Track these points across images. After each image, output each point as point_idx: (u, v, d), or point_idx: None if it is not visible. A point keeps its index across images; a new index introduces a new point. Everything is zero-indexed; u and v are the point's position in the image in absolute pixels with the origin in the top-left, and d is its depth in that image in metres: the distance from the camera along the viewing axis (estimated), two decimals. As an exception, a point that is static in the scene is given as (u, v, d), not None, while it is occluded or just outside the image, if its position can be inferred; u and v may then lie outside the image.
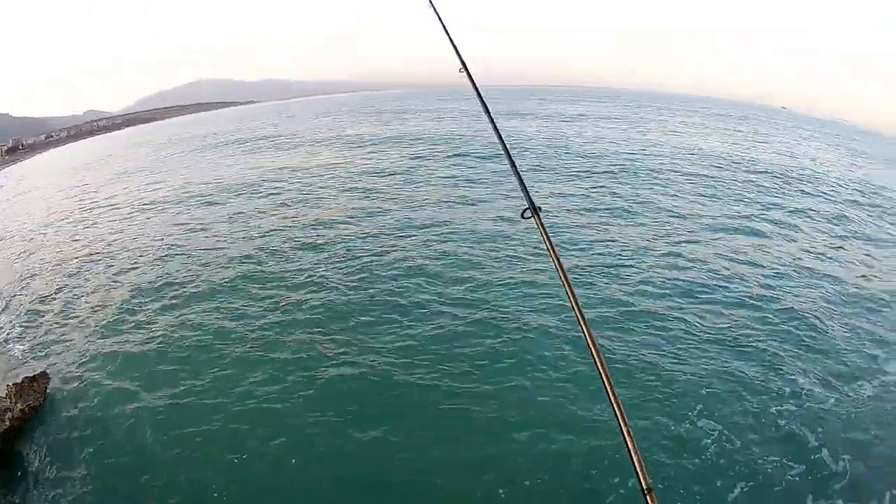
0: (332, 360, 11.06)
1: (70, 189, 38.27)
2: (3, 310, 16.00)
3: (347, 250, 16.75)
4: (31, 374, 10.94)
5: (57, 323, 14.36)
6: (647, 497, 2.26)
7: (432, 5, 4.66)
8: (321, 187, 25.92)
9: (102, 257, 19.33)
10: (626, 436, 2.39)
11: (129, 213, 26.04)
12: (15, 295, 17.00)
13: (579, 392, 9.62)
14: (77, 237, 23.26)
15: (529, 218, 3.09)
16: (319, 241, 17.86)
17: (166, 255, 18.22)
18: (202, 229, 20.94)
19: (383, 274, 14.82)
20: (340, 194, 24.27)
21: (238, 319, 13.06)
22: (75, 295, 16.05)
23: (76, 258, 19.80)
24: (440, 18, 4.52)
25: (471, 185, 24.72)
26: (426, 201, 22.01)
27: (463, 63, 4.18)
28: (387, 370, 10.54)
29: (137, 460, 8.88)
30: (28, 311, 15.45)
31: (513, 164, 3.41)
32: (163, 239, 20.27)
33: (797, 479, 7.86)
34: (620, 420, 2.38)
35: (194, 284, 15.32)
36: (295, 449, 8.82)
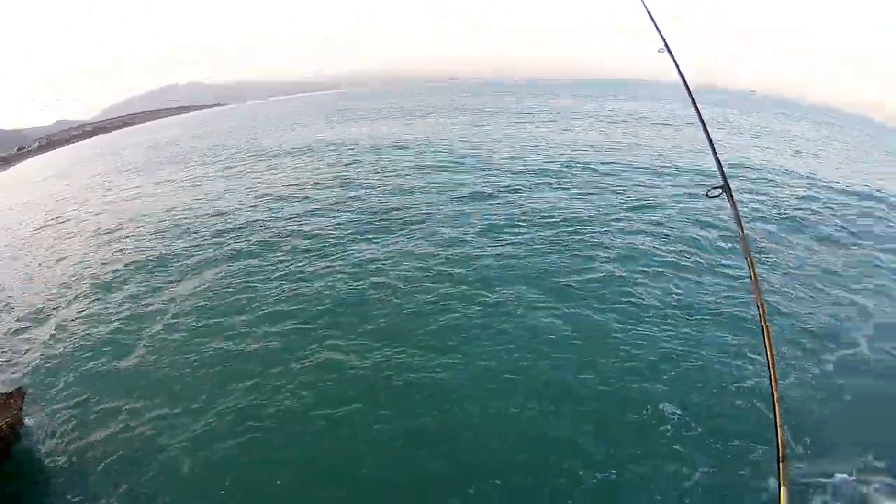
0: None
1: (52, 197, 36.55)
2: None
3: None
4: (7, 391, 10.42)
5: (34, 339, 13.80)
6: (781, 464, 2.50)
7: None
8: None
9: (69, 270, 18.55)
10: (775, 406, 2.53)
11: (85, 229, 24.62)
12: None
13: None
14: (44, 251, 22.06)
15: (715, 196, 2.98)
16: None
17: (143, 268, 17.35)
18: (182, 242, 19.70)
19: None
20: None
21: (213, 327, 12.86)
22: (48, 310, 15.41)
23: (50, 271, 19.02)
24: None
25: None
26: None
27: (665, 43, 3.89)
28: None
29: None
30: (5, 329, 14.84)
31: (709, 139, 3.36)
32: (141, 251, 19.22)
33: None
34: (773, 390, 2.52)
35: (176, 295, 14.81)
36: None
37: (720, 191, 3.00)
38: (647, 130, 38.12)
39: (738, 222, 2.91)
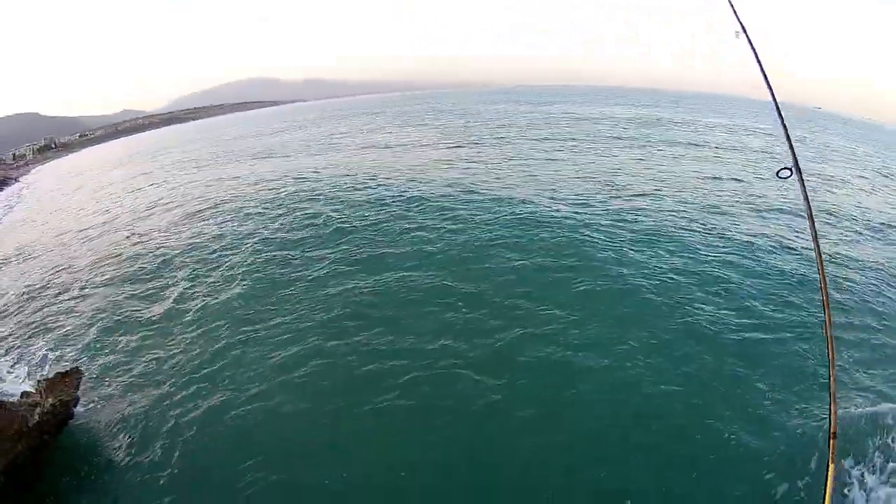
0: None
1: (107, 187, 37.73)
2: (33, 308, 15.67)
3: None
4: (63, 370, 10.37)
5: (89, 321, 14.07)
6: (832, 441, 2.58)
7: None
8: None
9: (124, 259, 18.60)
10: (831, 383, 2.71)
11: (154, 213, 24.79)
12: (44, 294, 16.69)
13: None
14: (105, 238, 22.27)
15: (786, 178, 2.93)
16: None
17: (196, 257, 17.29)
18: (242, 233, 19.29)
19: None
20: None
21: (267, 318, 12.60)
22: (105, 295, 15.61)
23: (105, 259, 19.05)
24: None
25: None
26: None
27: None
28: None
29: (161, 462, 8.61)
30: (60, 309, 15.30)
31: (781, 119, 3.27)
32: (195, 241, 19.05)
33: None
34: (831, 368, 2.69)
35: (227, 283, 14.81)
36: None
37: (790, 172, 2.94)
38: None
39: (807, 203, 2.85)
